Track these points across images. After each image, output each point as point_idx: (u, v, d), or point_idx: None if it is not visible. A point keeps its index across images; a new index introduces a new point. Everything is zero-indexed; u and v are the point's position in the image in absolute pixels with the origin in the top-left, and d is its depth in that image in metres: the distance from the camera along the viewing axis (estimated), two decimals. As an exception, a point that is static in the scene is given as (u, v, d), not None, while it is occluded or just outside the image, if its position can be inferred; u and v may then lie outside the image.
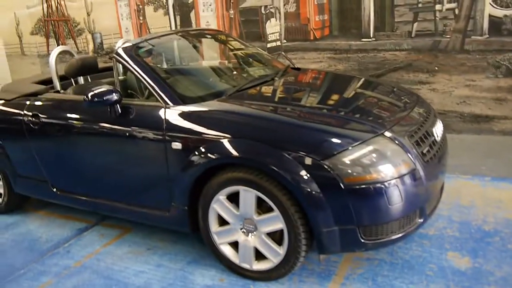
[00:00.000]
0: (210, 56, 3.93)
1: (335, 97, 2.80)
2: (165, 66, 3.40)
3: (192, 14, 6.00)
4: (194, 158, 2.37)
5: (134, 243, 2.98)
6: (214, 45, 4.04)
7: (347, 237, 2.15)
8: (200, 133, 2.38)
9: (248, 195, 2.29)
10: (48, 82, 3.45)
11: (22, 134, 3.12)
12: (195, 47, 3.77)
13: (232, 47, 3.75)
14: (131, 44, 2.87)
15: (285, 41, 5.47)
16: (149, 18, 6.37)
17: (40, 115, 3.02)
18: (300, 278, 2.44)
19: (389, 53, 4.85)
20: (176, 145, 2.44)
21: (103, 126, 2.72)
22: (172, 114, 2.49)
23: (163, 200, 2.60)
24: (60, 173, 3.10)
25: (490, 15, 4.35)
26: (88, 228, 3.28)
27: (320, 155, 2.11)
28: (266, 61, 3.53)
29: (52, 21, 7.30)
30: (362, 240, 2.15)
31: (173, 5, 6.10)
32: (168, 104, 2.54)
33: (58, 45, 7.25)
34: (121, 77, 2.91)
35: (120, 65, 2.82)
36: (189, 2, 5.98)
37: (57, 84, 3.27)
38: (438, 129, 2.55)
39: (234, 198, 2.37)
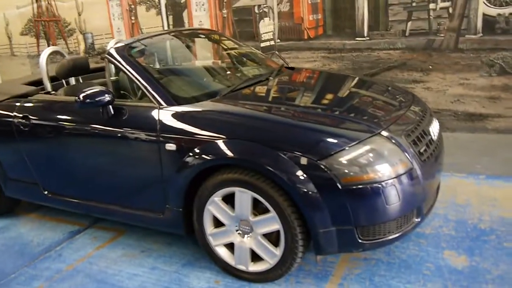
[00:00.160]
0: (203, 56, 3.90)
1: (330, 96, 2.78)
2: (158, 66, 3.36)
3: (185, 14, 5.96)
4: (189, 159, 2.34)
5: (127, 246, 2.94)
6: (208, 45, 4.01)
7: (345, 238, 2.13)
8: (195, 134, 2.35)
9: (244, 196, 2.26)
10: (38, 83, 3.39)
11: (12, 136, 3.06)
12: (188, 47, 3.73)
13: (225, 47, 3.72)
14: (123, 44, 2.83)
15: (278, 40, 5.45)
16: (141, 18, 6.32)
17: (30, 116, 2.97)
18: (297, 279, 2.41)
19: (383, 52, 4.85)
20: (170, 146, 2.40)
21: (95, 128, 2.68)
22: (166, 115, 2.46)
23: (157, 202, 2.56)
24: (52, 175, 3.05)
25: (484, 14, 4.36)
26: (80, 231, 3.22)
27: (317, 155, 2.08)
28: (260, 61, 3.50)
29: (43, 21, 7.22)
30: (360, 241, 2.13)
31: (165, 4, 6.05)
32: (162, 104, 2.50)
33: (48, 45, 7.17)
34: (113, 78, 2.87)
35: (112, 66, 2.78)
36: (181, 1, 5.94)
37: (48, 85, 3.22)
38: (434, 128, 2.54)
39: (229, 199, 2.34)
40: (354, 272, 2.43)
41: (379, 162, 2.09)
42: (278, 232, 2.24)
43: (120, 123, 2.58)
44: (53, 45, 7.16)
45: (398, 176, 2.10)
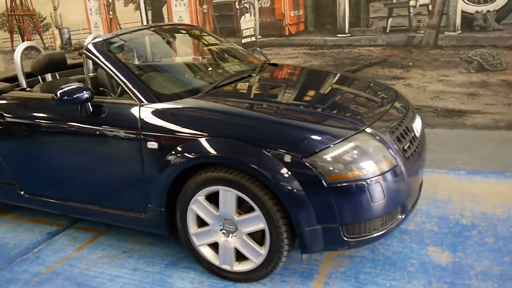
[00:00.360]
0: (184, 51, 3.84)
1: (314, 93, 2.76)
2: (138, 62, 3.29)
3: (164, 9, 5.86)
4: (171, 157, 2.29)
5: (108, 246, 2.87)
6: (189, 41, 3.95)
7: (330, 236, 2.12)
8: (177, 132, 2.30)
9: (228, 195, 2.22)
10: (13, 79, 3.28)
11: (-15, 135, 2.95)
12: (168, 42, 3.66)
13: (207, 43, 3.66)
14: (102, 40, 2.75)
15: (260, 36, 5.41)
16: (119, 13, 6.19)
17: (5, 114, 2.86)
18: (282, 278, 2.40)
19: (364, 49, 4.87)
20: (152, 145, 2.35)
21: (74, 126, 2.60)
22: (147, 112, 2.40)
23: (138, 201, 2.51)
24: (28, 175, 2.95)
25: (462, 11, 4.42)
26: (59, 231, 3.13)
27: (302, 153, 2.06)
28: (242, 57, 3.46)
29: (17, 16, 7.00)
30: (345, 238, 2.12)
31: (144, -1, 5.94)
32: (143, 101, 2.44)
33: (23, 40, 6.97)
34: (91, 74, 2.79)
35: (91, 62, 2.70)
36: (161, -4, 5.84)
37: (23, 81, 3.11)
38: (417, 125, 2.55)
39: (213, 198, 2.30)
40: (339, 270, 2.42)
41: (364, 159, 2.09)
42: (263, 231, 2.21)
43: (100, 121, 2.51)
44: (27, 40, 6.95)
45: (383, 173, 2.10)
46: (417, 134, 2.48)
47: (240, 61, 3.40)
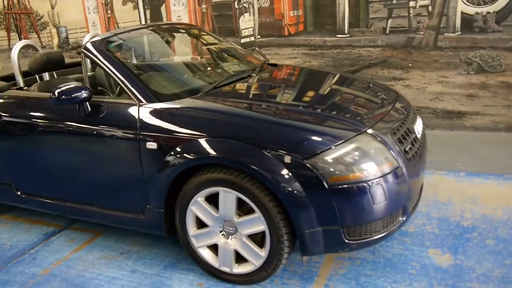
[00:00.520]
0: (183, 51, 3.81)
1: (315, 94, 2.74)
2: (137, 61, 3.26)
3: (163, 8, 5.83)
4: (170, 158, 2.26)
5: (106, 248, 2.84)
6: (188, 40, 3.92)
7: (331, 238, 2.10)
8: (176, 132, 2.27)
9: (228, 197, 2.20)
10: (10, 78, 3.25)
11: (-18, 134, 2.91)
12: (167, 42, 3.63)
13: (206, 42, 3.64)
14: (100, 38, 2.72)
15: (259, 36, 5.39)
16: (118, 12, 6.16)
17: (1, 113, 2.83)
18: (282, 280, 2.37)
19: (364, 50, 4.86)
20: (151, 145, 2.32)
21: (72, 126, 2.57)
22: (146, 112, 2.37)
23: (137, 202, 2.48)
24: (25, 175, 2.92)
25: (462, 12, 4.41)
26: (56, 232, 3.10)
27: (303, 154, 2.04)
28: (242, 57, 3.44)
29: (14, 14, 6.95)
30: (346, 241, 2.10)
31: (142, -2, 5.91)
32: (142, 101, 2.41)
33: (20, 39, 6.92)
34: (89, 73, 2.76)
35: (89, 61, 2.67)
36: (159, -5, 5.81)
37: (20, 80, 3.08)
38: (418, 126, 2.54)
39: (213, 200, 2.28)
40: (339, 272, 2.40)
41: (365, 161, 2.07)
42: (263, 233, 2.19)
43: (98, 121, 2.48)
44: (25, 38, 6.91)
45: (384, 175, 2.08)
46: (418, 136, 2.46)
47: (239, 61, 3.38)
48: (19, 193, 2.97)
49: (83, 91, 2.42)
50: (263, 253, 2.22)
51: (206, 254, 2.40)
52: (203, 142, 2.20)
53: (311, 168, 2.02)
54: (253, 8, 5.31)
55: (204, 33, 3.82)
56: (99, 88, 2.86)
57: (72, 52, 6.54)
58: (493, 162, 3.63)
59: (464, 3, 4.38)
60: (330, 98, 2.64)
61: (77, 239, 2.98)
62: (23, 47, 3.17)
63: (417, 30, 4.62)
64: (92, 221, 2.86)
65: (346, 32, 4.92)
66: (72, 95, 2.40)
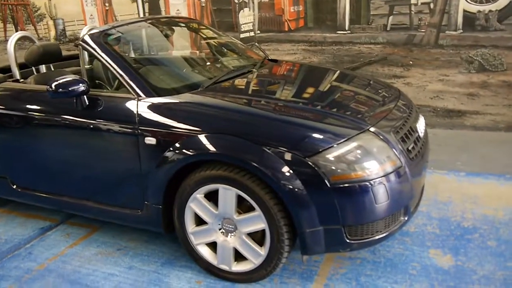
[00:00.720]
0: (183, 45, 3.76)
1: (317, 90, 2.70)
2: (136, 55, 3.21)
3: (162, 2, 5.76)
4: (169, 154, 2.22)
5: (103, 243, 2.80)
6: (187, 34, 3.87)
7: (332, 237, 2.06)
8: (176, 128, 2.23)
9: (228, 194, 2.16)
10: (6, 70, 3.20)
11: (-23, 127, 2.86)
12: (166, 35, 3.58)
13: (205, 36, 3.59)
14: (99, 31, 2.67)
15: (258, 31, 5.34)
16: (116, 4, 6.09)
17: (-3, 106, 2.78)
18: (282, 279, 2.34)
19: (364, 46, 4.82)
20: (150, 140, 2.28)
21: (69, 119, 2.52)
22: (145, 107, 2.33)
23: (135, 198, 2.44)
24: (21, 169, 2.87)
25: (464, 10, 4.38)
26: (52, 227, 3.06)
27: (305, 152, 2.01)
28: (242, 52, 3.39)
29: (10, 5, 6.86)
30: (347, 240, 2.07)
31: (141, -9, 5.84)
32: (141, 96, 2.37)
33: (16, 31, 6.84)
34: (87, 66, 2.71)
35: (87, 53, 2.62)
36: (158, -12, 5.74)
37: (16, 72, 3.03)
38: (421, 125, 2.51)
39: (212, 196, 2.24)
40: (339, 271, 2.38)
41: (367, 160, 2.03)
42: (263, 231, 2.16)
43: (95, 115, 2.44)
44: (21, 30, 6.82)
45: (387, 174, 2.05)
46: (421, 135, 2.43)
47: (239, 56, 3.34)
48: (14, 186, 2.93)
49: (80, 84, 2.37)
50: (263, 251, 2.19)
51: (205, 252, 2.36)
52: (202, 138, 2.16)
53: (313, 166, 1.99)
54: (253, 2, 5.26)
55: (204, 27, 3.77)
56: (96, 81, 2.81)
57: (69, 45, 6.47)
58: (493, 162, 3.61)
59: (466, 1, 4.35)
60: (331, 95, 2.61)
61: (73, 234, 2.94)
62: (19, 39, 3.11)
63: (418, 27, 4.58)
64: (89, 216, 2.82)
65: (346, 28, 4.88)
66: (70, 88, 2.35)
